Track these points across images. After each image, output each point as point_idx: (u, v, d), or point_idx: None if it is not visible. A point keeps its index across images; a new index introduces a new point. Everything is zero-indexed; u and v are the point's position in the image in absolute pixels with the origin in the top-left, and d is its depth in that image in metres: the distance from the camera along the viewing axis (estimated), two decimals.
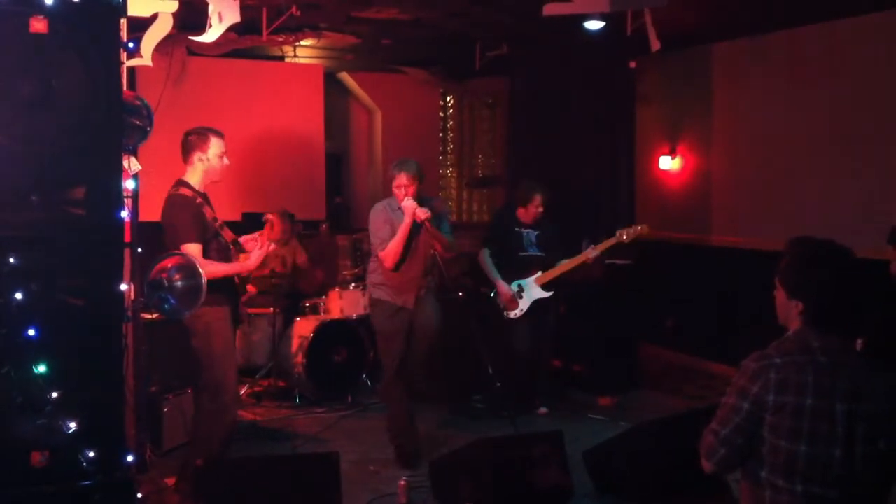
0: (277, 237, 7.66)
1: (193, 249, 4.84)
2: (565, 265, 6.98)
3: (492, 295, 7.12)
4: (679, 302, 8.78)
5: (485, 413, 7.15)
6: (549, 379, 7.50)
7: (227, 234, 5.12)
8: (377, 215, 5.99)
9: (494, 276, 7.06)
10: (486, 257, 7.17)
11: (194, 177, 5.08)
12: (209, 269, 4.92)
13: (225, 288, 5.04)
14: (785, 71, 7.90)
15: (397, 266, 5.87)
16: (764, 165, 8.17)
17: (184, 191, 5.00)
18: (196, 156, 5.06)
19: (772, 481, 2.72)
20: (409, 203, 5.73)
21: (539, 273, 7.01)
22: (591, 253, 6.86)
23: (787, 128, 7.89)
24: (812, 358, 2.72)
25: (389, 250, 5.80)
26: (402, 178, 5.79)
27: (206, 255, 4.94)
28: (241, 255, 5.18)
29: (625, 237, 6.80)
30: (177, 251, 4.62)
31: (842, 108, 7.35)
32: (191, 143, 5.07)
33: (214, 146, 5.07)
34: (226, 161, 5.16)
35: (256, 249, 5.08)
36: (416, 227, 5.82)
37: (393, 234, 5.83)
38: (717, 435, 2.79)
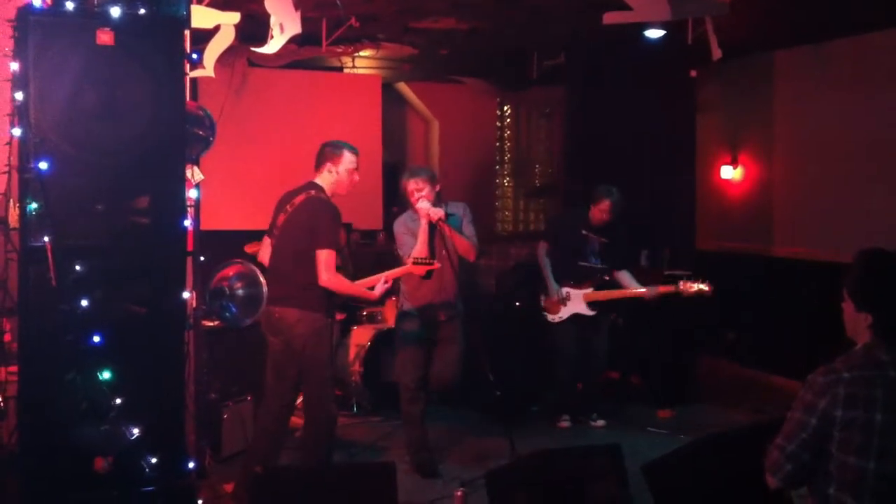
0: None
1: (328, 256, 4.96)
2: (618, 292, 6.93)
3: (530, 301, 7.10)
4: (740, 314, 8.63)
5: (542, 423, 7.10)
6: (607, 392, 7.41)
7: None
8: (398, 227, 6.15)
9: (547, 272, 7.02)
10: (542, 252, 7.11)
11: (325, 185, 5.26)
12: (338, 283, 5.06)
13: (331, 301, 5.10)
14: (848, 79, 7.74)
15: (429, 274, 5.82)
16: (827, 175, 8.00)
17: (326, 197, 5.18)
18: (326, 167, 5.24)
19: (840, 498, 2.65)
20: (422, 205, 5.76)
21: (590, 289, 6.93)
22: (649, 292, 6.80)
23: (851, 136, 7.73)
24: (882, 372, 2.65)
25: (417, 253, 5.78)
26: (412, 184, 5.88)
27: None
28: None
29: (682, 289, 6.66)
30: (238, 260, 4.67)
31: None
32: (325, 154, 5.27)
33: (346, 161, 5.26)
34: (356, 177, 5.34)
35: (380, 283, 5.26)
36: (433, 227, 5.83)
37: (415, 242, 5.89)
38: (783, 450, 2.73)
